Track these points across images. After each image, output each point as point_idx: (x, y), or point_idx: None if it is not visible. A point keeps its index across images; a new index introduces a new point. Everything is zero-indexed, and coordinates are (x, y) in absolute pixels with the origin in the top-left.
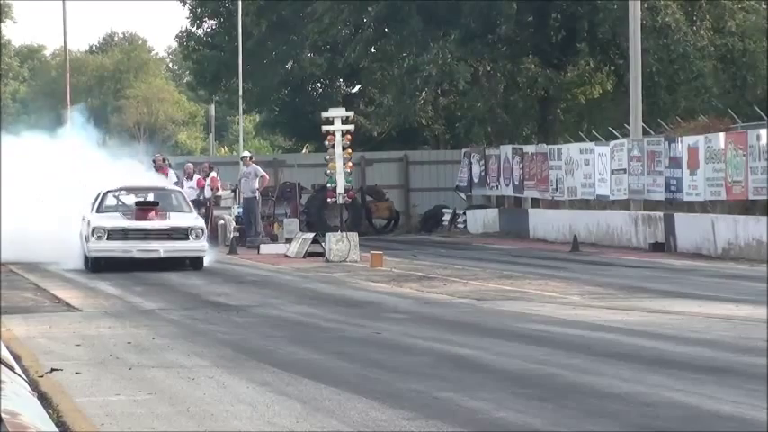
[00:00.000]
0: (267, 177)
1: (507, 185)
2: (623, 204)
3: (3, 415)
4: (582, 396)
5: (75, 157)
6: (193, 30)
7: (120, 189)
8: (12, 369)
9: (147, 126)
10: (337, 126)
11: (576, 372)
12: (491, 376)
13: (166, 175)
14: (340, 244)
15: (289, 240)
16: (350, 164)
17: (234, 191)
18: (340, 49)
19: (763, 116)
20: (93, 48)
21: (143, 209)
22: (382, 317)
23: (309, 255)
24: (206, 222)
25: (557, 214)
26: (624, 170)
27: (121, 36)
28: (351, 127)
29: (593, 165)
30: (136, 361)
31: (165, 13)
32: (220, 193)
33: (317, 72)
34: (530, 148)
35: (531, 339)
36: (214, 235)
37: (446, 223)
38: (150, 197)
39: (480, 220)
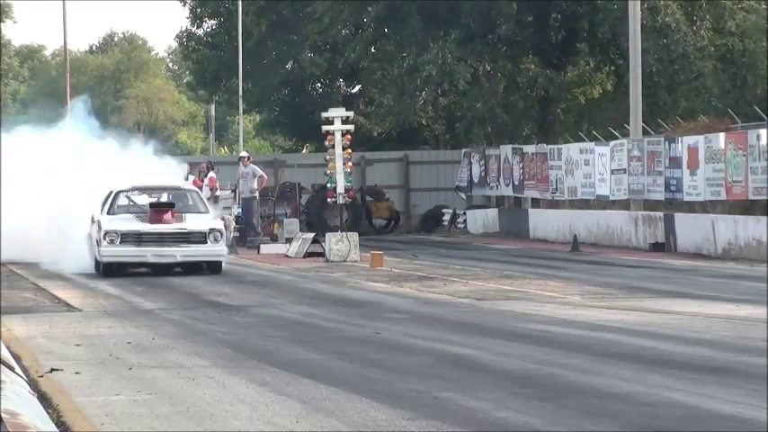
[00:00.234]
0: (266, 177)
1: (507, 185)
2: (623, 204)
3: (3, 415)
4: (582, 396)
5: (76, 149)
6: (193, 30)
7: (133, 189)
8: (12, 369)
9: (147, 126)
10: (337, 126)
11: (576, 372)
12: (491, 376)
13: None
14: (340, 244)
15: (289, 240)
16: (350, 164)
17: (234, 191)
18: (340, 49)
19: (763, 116)
20: (93, 48)
21: (157, 210)
22: (382, 317)
23: (309, 255)
24: None
25: (557, 214)
26: (624, 170)
27: (121, 36)
28: (351, 127)
29: (593, 165)
30: (136, 361)
31: (165, 13)
32: (219, 193)
33: (317, 72)
34: (530, 148)
35: (531, 339)
36: None
37: (446, 223)
38: (165, 197)
39: (480, 220)
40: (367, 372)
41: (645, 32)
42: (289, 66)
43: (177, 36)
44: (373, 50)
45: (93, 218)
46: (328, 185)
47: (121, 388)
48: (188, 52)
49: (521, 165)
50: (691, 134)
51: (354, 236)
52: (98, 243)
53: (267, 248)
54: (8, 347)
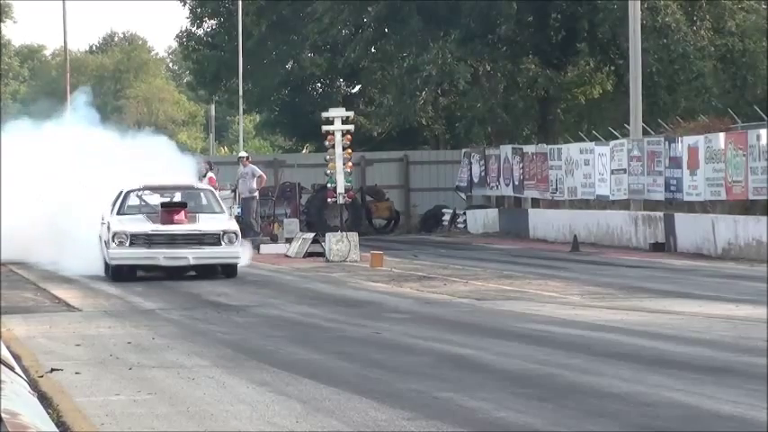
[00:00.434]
0: (265, 177)
1: (507, 185)
2: (623, 204)
3: (3, 415)
4: (582, 396)
5: (77, 141)
6: (193, 30)
7: (144, 188)
8: (12, 369)
9: (147, 126)
10: (337, 126)
11: (576, 372)
12: (491, 376)
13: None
14: (340, 244)
15: (289, 240)
16: (350, 164)
17: (233, 191)
18: (340, 49)
19: (763, 116)
20: (93, 48)
21: (169, 210)
22: (382, 317)
23: (309, 255)
24: None
25: (557, 214)
26: (624, 170)
27: (121, 36)
28: (351, 127)
29: (593, 165)
30: (136, 361)
31: (165, 13)
32: (218, 193)
33: (317, 72)
34: (530, 148)
35: (531, 339)
36: None
37: (446, 223)
38: (177, 197)
39: (480, 220)
40: (367, 372)
41: (645, 32)
42: (289, 66)
43: (177, 36)
44: (373, 50)
45: (102, 218)
46: (328, 185)
47: (121, 388)
48: (188, 52)
49: (521, 165)
50: (691, 134)
51: (354, 236)
52: (107, 245)
53: (267, 248)
54: (8, 347)
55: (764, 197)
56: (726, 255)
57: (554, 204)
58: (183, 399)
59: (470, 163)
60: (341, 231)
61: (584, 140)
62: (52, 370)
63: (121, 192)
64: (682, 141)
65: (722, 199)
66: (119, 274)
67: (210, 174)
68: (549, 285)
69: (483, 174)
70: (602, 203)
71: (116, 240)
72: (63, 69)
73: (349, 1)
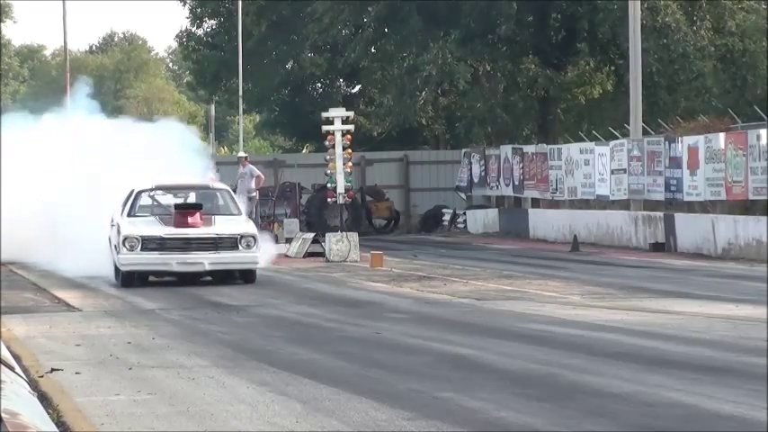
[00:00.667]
0: (263, 177)
1: (507, 185)
2: (623, 204)
3: (3, 415)
4: (582, 396)
5: (78, 131)
6: (193, 30)
7: (156, 188)
8: (12, 369)
9: None
10: (337, 126)
11: (576, 372)
12: (491, 376)
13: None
14: (340, 244)
15: (289, 240)
16: (350, 164)
17: (233, 191)
18: (340, 49)
19: (763, 116)
20: (93, 48)
21: (183, 212)
22: (382, 317)
23: (309, 255)
24: None
25: (557, 214)
26: (624, 170)
27: (121, 36)
28: (351, 127)
29: (593, 165)
30: (136, 361)
31: (165, 13)
32: None
33: (317, 72)
34: (530, 148)
35: (532, 339)
36: None
37: (446, 223)
38: (192, 198)
39: (480, 220)
40: (367, 372)
41: (645, 32)
42: (289, 66)
43: (177, 36)
44: (373, 50)
45: (112, 220)
46: (328, 185)
47: (121, 388)
48: (188, 52)
49: (521, 165)
50: (691, 134)
51: (354, 236)
52: (117, 249)
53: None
54: (8, 347)
55: (764, 197)
56: (726, 255)
57: (554, 204)
58: (183, 399)
59: (470, 163)
60: (341, 231)
61: (584, 140)
62: (52, 370)
63: (132, 192)
64: (682, 141)
65: (722, 199)
66: (129, 280)
67: (211, 174)
68: (549, 285)
69: (483, 174)
70: (602, 203)
71: (127, 245)
72: (63, 69)
73: (349, 1)
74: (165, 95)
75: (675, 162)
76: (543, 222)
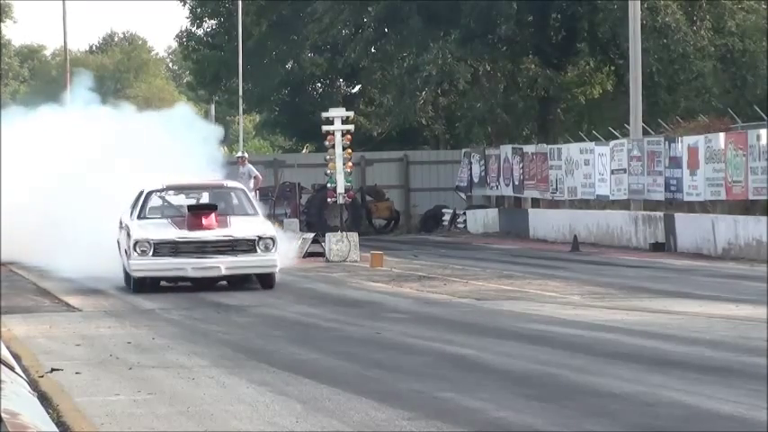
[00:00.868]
0: (260, 178)
1: (507, 185)
2: (623, 204)
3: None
4: (582, 396)
5: (78, 123)
6: (193, 30)
7: (167, 188)
8: (12, 369)
9: None
10: (337, 126)
11: (575, 372)
12: (491, 376)
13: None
14: (340, 244)
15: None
16: (350, 164)
17: None
18: (340, 49)
19: (763, 116)
20: (93, 48)
21: (197, 213)
22: (382, 317)
23: (309, 255)
24: None
25: (557, 214)
26: (624, 170)
27: (121, 36)
28: (351, 127)
29: (593, 165)
30: (136, 361)
31: (165, 13)
32: None
33: (317, 72)
34: (530, 148)
35: (532, 339)
36: None
37: (446, 223)
38: (205, 198)
39: (480, 220)
40: (367, 372)
41: (645, 32)
42: (289, 66)
43: (177, 36)
44: (373, 50)
45: (121, 222)
46: (328, 185)
47: (121, 388)
48: (188, 52)
49: (521, 165)
50: (691, 134)
51: (354, 236)
52: (127, 254)
53: None
54: (8, 347)
55: (764, 197)
56: (726, 255)
57: (554, 204)
58: (183, 399)
59: (470, 163)
60: (341, 231)
61: (584, 140)
62: (52, 370)
63: (142, 192)
64: (682, 141)
65: (722, 199)
66: (141, 286)
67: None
68: (549, 285)
69: (483, 174)
70: (602, 203)
71: (138, 249)
72: (63, 69)
73: (349, 1)
74: (165, 95)
75: (675, 162)
76: (543, 222)
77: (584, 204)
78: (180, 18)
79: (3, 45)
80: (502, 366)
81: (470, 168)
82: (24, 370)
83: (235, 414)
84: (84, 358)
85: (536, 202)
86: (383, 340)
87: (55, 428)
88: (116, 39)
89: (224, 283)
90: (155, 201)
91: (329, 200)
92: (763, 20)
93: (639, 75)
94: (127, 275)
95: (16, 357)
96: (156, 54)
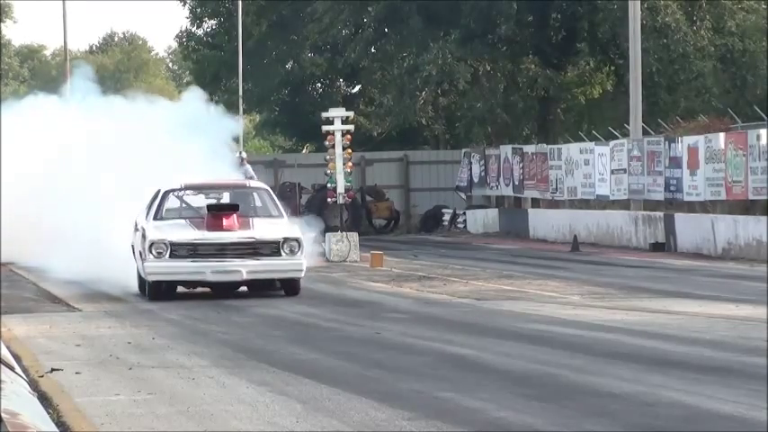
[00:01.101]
0: (255, 179)
1: (507, 185)
2: (623, 204)
3: (3, 415)
4: (582, 396)
5: (77, 112)
6: (193, 30)
7: (185, 187)
8: (12, 369)
9: None
10: (337, 126)
11: (575, 372)
12: (491, 376)
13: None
14: (340, 244)
15: None
16: (350, 164)
17: None
18: (340, 49)
19: (763, 116)
20: (93, 48)
21: (217, 214)
22: (382, 317)
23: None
24: None
25: (557, 214)
26: (624, 170)
27: (121, 36)
28: (351, 127)
29: (594, 165)
30: (136, 361)
31: (165, 13)
32: None
33: (317, 72)
34: (530, 148)
35: (531, 339)
36: None
37: (446, 223)
38: (226, 198)
39: (480, 220)
40: (367, 372)
41: (645, 32)
42: (289, 66)
43: (177, 36)
44: (373, 50)
45: (136, 224)
46: (328, 185)
47: (121, 388)
48: (188, 52)
49: (521, 165)
50: (691, 134)
51: (354, 236)
52: (142, 256)
53: None
54: (8, 347)
55: (764, 197)
56: (726, 255)
57: (554, 204)
58: (183, 399)
59: (470, 163)
60: (341, 231)
61: (584, 140)
62: (52, 370)
63: (158, 192)
64: (682, 141)
65: (722, 199)
66: (157, 292)
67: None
68: (549, 285)
69: (483, 174)
70: (602, 203)
71: (154, 251)
72: (63, 69)
73: (349, 1)
74: (165, 95)
75: (675, 162)
76: (543, 222)
77: (584, 204)
78: (180, 18)
79: (3, 45)
80: (502, 366)
81: (470, 168)
82: (24, 370)
83: (235, 414)
84: (84, 358)
85: (536, 202)
86: (383, 340)
87: (55, 428)
88: (116, 39)
89: (244, 288)
90: (172, 201)
91: (329, 200)
92: (763, 20)
93: (639, 75)
94: (141, 281)
95: (16, 357)
96: (156, 54)
